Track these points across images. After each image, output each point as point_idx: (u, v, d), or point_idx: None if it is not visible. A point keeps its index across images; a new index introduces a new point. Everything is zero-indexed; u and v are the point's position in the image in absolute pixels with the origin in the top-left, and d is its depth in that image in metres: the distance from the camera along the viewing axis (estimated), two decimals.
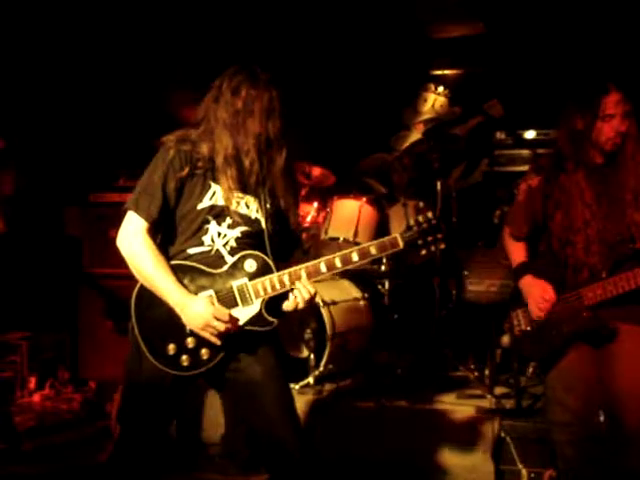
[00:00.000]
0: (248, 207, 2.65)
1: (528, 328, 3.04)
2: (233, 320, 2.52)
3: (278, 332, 2.70)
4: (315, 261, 2.58)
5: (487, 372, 4.53)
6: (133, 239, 2.54)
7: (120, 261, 2.61)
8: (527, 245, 3.15)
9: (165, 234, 2.64)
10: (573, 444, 2.97)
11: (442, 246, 2.66)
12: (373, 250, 2.61)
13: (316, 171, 5.53)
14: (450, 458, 3.86)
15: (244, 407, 2.64)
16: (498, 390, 4.35)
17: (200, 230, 2.59)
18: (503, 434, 3.84)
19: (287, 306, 2.58)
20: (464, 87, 6.31)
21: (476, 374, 4.63)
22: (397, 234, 2.63)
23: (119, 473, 2.64)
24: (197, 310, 2.48)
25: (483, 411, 4.00)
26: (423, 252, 2.65)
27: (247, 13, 5.69)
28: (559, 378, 3.01)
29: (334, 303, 4.63)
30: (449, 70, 6.56)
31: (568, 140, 3.00)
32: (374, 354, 4.94)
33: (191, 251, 2.59)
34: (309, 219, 5.39)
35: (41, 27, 5.28)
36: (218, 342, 2.50)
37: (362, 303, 4.89)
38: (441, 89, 6.15)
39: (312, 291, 2.56)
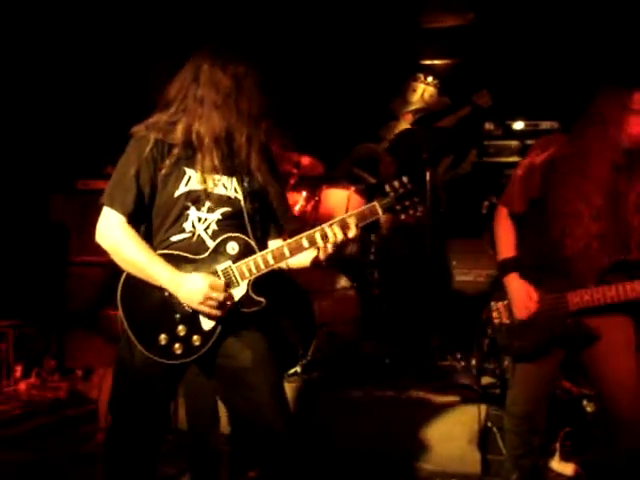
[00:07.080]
0: (226, 187, 2.60)
1: (508, 322, 3.06)
2: (228, 292, 2.51)
3: (270, 316, 2.70)
4: (297, 237, 2.54)
5: (474, 362, 4.55)
6: (114, 231, 2.51)
7: None
8: (517, 235, 3.08)
9: (147, 226, 2.60)
10: (518, 435, 3.15)
11: (420, 210, 2.59)
12: (354, 220, 2.55)
13: (305, 160, 5.50)
14: (437, 448, 3.87)
15: (233, 392, 2.62)
16: (485, 380, 4.37)
17: (180, 217, 2.55)
18: (490, 424, 3.85)
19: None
20: (453, 77, 6.31)
21: (463, 364, 4.66)
22: (375, 202, 2.57)
23: (113, 463, 2.63)
24: (194, 285, 2.45)
25: (470, 400, 4.01)
26: (402, 217, 2.60)
27: (236, 4, 5.66)
28: (526, 375, 3.09)
29: (323, 292, 4.63)
30: (438, 60, 6.56)
31: (592, 127, 2.88)
32: (362, 343, 4.94)
33: (173, 239, 2.55)
34: (298, 208, 5.37)
35: (24, 16, 5.23)
36: (219, 314, 2.48)
37: (351, 293, 4.90)
38: (430, 79, 6.14)
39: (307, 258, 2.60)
